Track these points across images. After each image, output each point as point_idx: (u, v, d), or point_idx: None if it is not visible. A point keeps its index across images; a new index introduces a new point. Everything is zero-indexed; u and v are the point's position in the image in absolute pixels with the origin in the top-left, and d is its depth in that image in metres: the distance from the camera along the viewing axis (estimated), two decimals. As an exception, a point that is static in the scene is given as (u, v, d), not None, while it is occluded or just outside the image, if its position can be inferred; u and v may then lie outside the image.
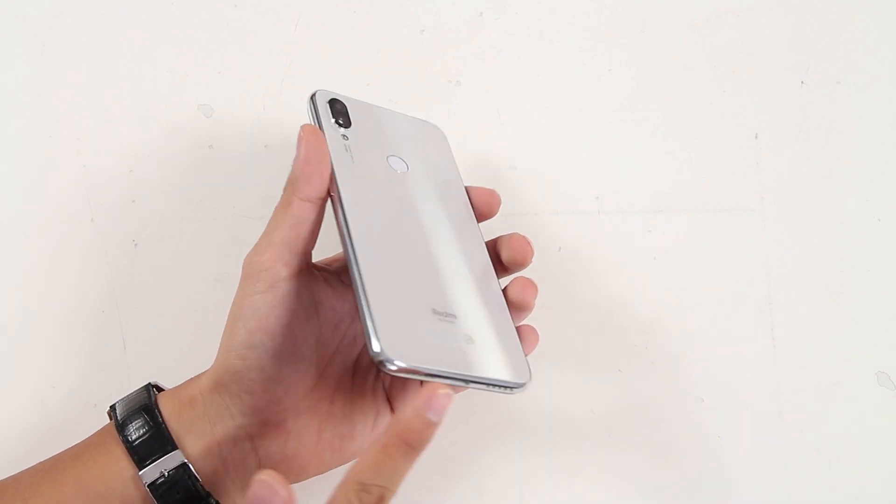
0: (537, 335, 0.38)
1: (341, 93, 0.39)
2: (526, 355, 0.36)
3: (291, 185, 0.35)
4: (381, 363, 0.31)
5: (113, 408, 0.37)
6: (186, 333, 0.45)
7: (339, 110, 0.38)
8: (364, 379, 0.39)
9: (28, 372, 0.45)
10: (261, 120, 0.48)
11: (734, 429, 0.43)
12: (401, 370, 0.31)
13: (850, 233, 0.45)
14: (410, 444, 0.29)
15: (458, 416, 0.42)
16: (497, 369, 0.34)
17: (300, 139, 0.35)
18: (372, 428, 0.39)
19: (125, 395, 0.38)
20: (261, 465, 0.37)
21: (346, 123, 0.38)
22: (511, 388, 0.34)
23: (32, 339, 0.45)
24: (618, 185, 0.47)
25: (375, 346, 0.31)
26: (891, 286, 0.45)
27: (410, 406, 0.30)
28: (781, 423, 0.43)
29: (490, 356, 0.35)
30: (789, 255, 0.45)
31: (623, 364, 0.44)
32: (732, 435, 0.43)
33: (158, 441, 0.35)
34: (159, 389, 0.38)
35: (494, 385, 0.34)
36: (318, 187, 0.35)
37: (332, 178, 0.36)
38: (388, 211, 0.36)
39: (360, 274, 0.33)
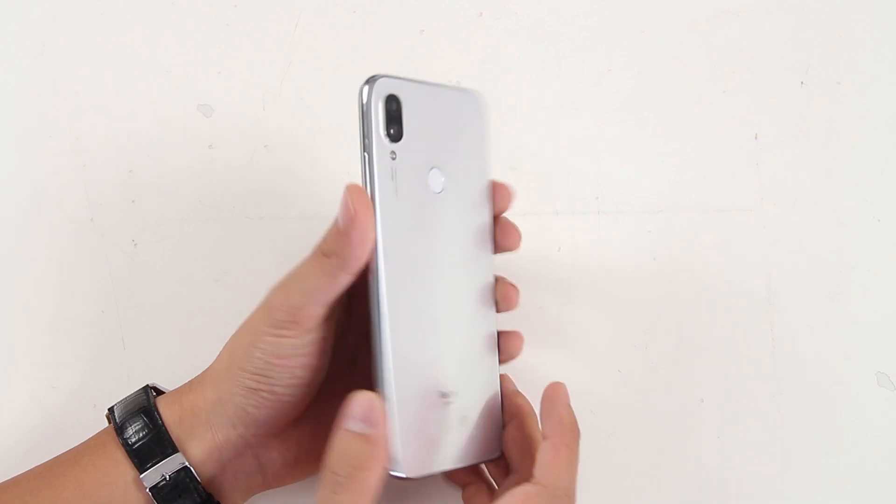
0: (522, 340, 0.39)
1: (395, 74, 0.34)
2: (505, 362, 0.38)
3: (335, 257, 0.32)
4: (395, 475, 0.32)
5: (111, 410, 0.37)
6: (186, 333, 0.45)
7: (394, 114, 0.34)
8: (362, 377, 0.39)
9: (28, 372, 0.45)
10: (261, 120, 0.48)
11: (734, 429, 0.43)
12: (408, 479, 0.33)
13: (849, 233, 0.45)
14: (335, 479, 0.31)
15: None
16: (478, 454, 0.35)
17: (347, 208, 0.32)
18: None
19: (123, 397, 0.38)
20: (262, 471, 0.37)
21: (398, 135, 0.34)
22: (481, 463, 0.36)
23: (32, 339, 0.45)
24: (618, 186, 0.47)
25: (398, 470, 0.32)
26: (891, 286, 0.45)
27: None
28: (781, 423, 0.43)
29: (476, 439, 0.36)
30: (789, 256, 0.45)
31: (623, 364, 0.44)
32: (732, 435, 0.43)
33: (158, 444, 0.35)
34: (157, 391, 0.38)
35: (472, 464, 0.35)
36: (362, 262, 0.33)
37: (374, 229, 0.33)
38: (420, 266, 0.35)
39: (388, 361, 0.33)
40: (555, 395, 0.35)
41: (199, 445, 0.35)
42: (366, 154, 0.33)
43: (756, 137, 0.47)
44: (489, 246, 0.38)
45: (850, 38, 0.48)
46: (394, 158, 0.33)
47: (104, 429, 0.37)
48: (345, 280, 0.33)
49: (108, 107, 0.48)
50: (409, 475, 0.33)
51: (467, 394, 0.36)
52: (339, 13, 0.49)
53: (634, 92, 0.48)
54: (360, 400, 0.31)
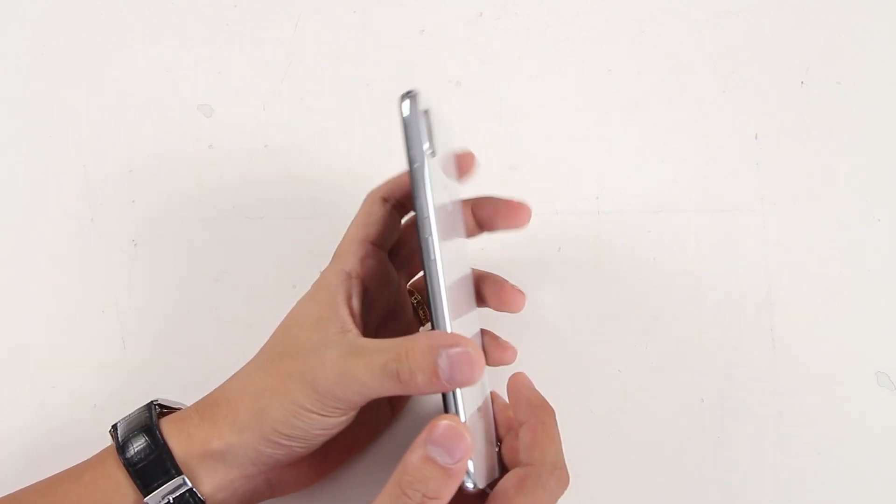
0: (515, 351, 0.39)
1: (424, 99, 0.32)
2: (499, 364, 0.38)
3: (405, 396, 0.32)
4: (466, 488, 0.32)
5: (115, 427, 0.36)
6: (186, 333, 0.45)
7: (430, 129, 0.32)
8: None
9: (28, 371, 0.45)
10: (261, 120, 0.48)
11: (734, 429, 0.43)
12: (476, 488, 0.32)
13: (850, 233, 0.45)
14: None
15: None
16: (484, 477, 0.34)
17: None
18: (374, 427, 0.38)
19: (127, 414, 0.37)
20: (271, 489, 0.37)
21: (433, 151, 0.32)
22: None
23: (32, 339, 0.45)
24: (618, 185, 0.47)
25: (477, 484, 0.32)
26: (891, 286, 0.45)
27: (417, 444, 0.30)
28: (781, 423, 0.43)
29: (489, 460, 0.35)
30: (789, 255, 0.45)
31: (623, 364, 0.44)
32: (732, 435, 0.43)
33: (161, 465, 0.34)
34: (161, 407, 0.37)
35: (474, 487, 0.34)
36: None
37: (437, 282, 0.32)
38: (456, 290, 0.34)
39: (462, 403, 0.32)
40: (517, 382, 0.37)
41: (210, 479, 0.34)
42: (416, 173, 0.32)
43: (756, 137, 0.47)
44: (469, 266, 0.38)
45: (850, 38, 0.48)
46: (447, 207, 0.33)
47: (107, 447, 0.36)
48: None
49: (108, 107, 0.48)
50: (479, 485, 0.32)
51: (484, 416, 0.36)
52: (339, 13, 0.49)
53: (634, 92, 0.48)
54: (448, 430, 0.30)
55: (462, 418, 0.31)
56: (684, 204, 0.46)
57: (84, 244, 0.46)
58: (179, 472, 0.33)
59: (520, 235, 0.46)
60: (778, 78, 0.47)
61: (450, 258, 0.33)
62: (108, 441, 0.36)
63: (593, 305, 0.45)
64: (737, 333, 0.44)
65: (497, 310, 0.38)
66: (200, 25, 0.49)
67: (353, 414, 0.33)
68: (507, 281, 0.39)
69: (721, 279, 0.45)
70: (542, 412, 0.35)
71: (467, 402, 0.32)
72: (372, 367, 0.31)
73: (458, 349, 0.30)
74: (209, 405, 0.35)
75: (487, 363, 0.38)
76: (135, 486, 0.34)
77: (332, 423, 0.33)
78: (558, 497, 0.33)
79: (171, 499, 0.33)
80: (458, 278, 0.34)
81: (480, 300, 0.39)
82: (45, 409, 0.44)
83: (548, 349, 0.44)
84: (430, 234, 0.31)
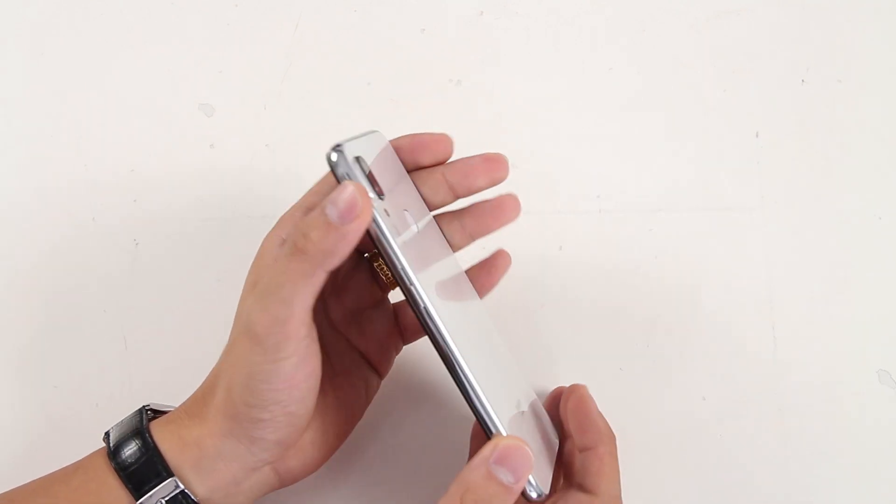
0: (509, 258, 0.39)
1: (348, 137, 0.33)
2: (498, 280, 0.38)
3: (316, 253, 0.30)
4: (531, 497, 0.32)
5: (107, 434, 0.35)
6: (187, 333, 0.45)
7: (367, 174, 0.32)
8: (342, 358, 0.38)
9: (30, 371, 0.45)
10: (261, 119, 0.48)
11: (735, 427, 0.43)
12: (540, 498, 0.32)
13: (850, 231, 0.45)
14: None
15: (457, 416, 0.42)
16: (547, 484, 0.34)
17: (349, 200, 0.29)
18: (365, 398, 0.38)
19: (120, 419, 0.36)
20: (280, 478, 0.36)
21: (380, 193, 0.33)
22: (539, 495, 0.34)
23: (34, 339, 0.45)
24: (619, 185, 0.47)
25: (543, 492, 0.32)
26: (891, 285, 0.45)
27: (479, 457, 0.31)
28: (782, 421, 0.43)
29: (545, 468, 0.35)
30: (790, 254, 0.45)
31: (623, 364, 0.44)
32: (733, 434, 0.43)
33: (152, 468, 0.33)
34: (154, 412, 0.37)
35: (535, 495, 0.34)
36: (344, 257, 0.30)
37: (404, 270, 0.32)
38: (449, 300, 0.34)
39: (484, 402, 0.32)
40: (584, 406, 0.37)
41: (209, 479, 0.34)
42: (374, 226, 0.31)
43: (757, 136, 0.47)
44: (459, 264, 0.38)
45: (850, 36, 0.48)
46: (389, 215, 0.32)
47: (97, 450, 0.36)
48: (323, 277, 0.31)
49: (109, 106, 0.48)
50: (545, 492, 0.33)
51: (525, 399, 0.36)
52: (339, 13, 0.49)
53: (635, 91, 0.48)
54: (512, 450, 0.30)
55: (500, 428, 0.32)
56: (685, 203, 0.46)
57: (85, 244, 0.46)
58: (171, 474, 0.33)
59: (520, 235, 0.46)
60: (778, 77, 0.48)
61: (428, 279, 0.33)
62: (109, 441, 0.36)
63: (594, 304, 0.45)
64: (738, 331, 0.45)
65: (495, 224, 0.37)
66: (201, 25, 0.49)
67: (301, 348, 0.32)
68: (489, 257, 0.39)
69: (722, 277, 0.45)
70: (609, 442, 0.36)
71: (502, 413, 0.32)
72: (273, 260, 0.31)
73: (340, 192, 0.29)
74: (196, 403, 0.35)
75: (487, 284, 0.38)
76: (127, 490, 0.33)
77: (286, 368, 0.31)
78: None
79: (162, 501, 0.33)
80: (443, 277, 0.34)
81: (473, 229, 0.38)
82: (47, 409, 0.44)
83: (548, 348, 0.44)
84: (403, 269, 0.31)
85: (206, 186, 0.47)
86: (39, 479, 0.36)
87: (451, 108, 0.48)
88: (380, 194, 0.32)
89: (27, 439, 0.44)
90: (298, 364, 0.32)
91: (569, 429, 0.37)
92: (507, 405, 0.33)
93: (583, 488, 0.35)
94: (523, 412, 0.35)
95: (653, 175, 0.47)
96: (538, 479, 0.32)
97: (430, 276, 0.33)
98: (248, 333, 0.32)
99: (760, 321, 0.45)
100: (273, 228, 0.35)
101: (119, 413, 0.37)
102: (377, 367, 0.39)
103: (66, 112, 0.48)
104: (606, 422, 0.37)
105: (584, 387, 0.39)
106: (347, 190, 0.29)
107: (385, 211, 0.32)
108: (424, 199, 0.36)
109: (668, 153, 0.47)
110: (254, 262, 0.35)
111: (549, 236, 0.46)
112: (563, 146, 0.47)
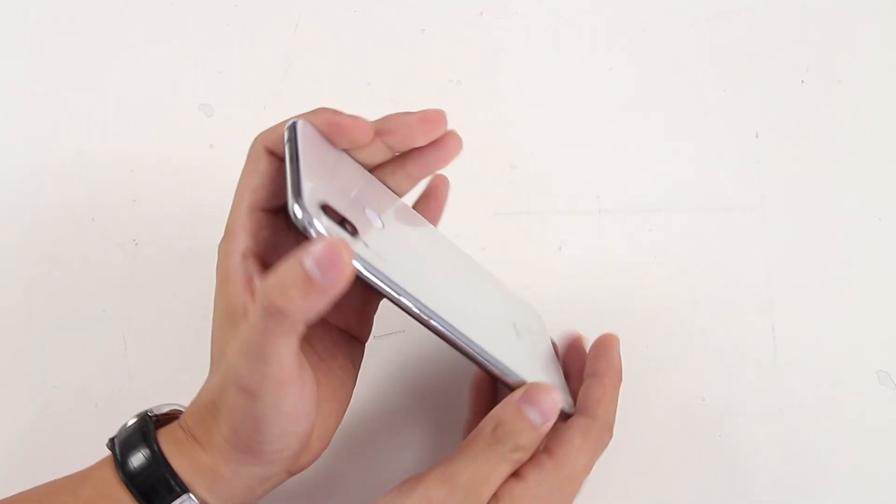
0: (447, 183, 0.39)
1: (287, 159, 0.31)
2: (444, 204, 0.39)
3: (299, 315, 0.28)
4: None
5: (112, 441, 0.34)
6: (187, 333, 0.45)
7: (340, 219, 0.30)
8: (323, 342, 0.37)
9: (29, 371, 0.45)
10: (262, 119, 0.47)
11: (735, 427, 0.43)
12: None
13: (850, 232, 0.45)
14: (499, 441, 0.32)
15: (456, 416, 0.42)
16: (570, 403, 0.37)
17: (331, 256, 0.27)
18: (353, 370, 0.38)
19: (120, 428, 0.35)
20: (290, 475, 0.36)
21: (354, 230, 0.31)
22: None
23: (33, 339, 0.45)
24: (618, 185, 0.47)
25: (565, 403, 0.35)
26: (891, 285, 0.45)
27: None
28: (782, 421, 0.43)
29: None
30: (790, 254, 0.45)
31: (624, 362, 0.44)
32: (733, 434, 0.43)
33: (164, 483, 0.32)
34: (156, 417, 0.36)
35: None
36: (327, 309, 0.28)
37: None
38: (428, 275, 0.34)
39: (491, 356, 0.33)
40: (609, 342, 0.39)
41: (223, 495, 0.33)
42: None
43: (757, 136, 0.47)
44: (407, 206, 0.37)
45: (850, 37, 0.48)
46: (367, 246, 0.30)
47: (102, 460, 0.35)
48: (304, 327, 0.29)
49: (108, 106, 0.48)
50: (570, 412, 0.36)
51: (520, 317, 0.38)
52: (339, 13, 0.49)
53: (635, 91, 0.48)
54: (542, 394, 0.33)
55: (514, 377, 0.33)
56: (685, 203, 0.46)
57: (85, 244, 0.46)
58: (185, 490, 0.32)
59: (520, 235, 0.46)
60: (779, 77, 0.48)
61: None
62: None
63: (593, 305, 0.45)
64: (738, 332, 0.45)
65: (441, 164, 0.37)
66: (201, 25, 0.49)
67: (297, 387, 0.31)
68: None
69: (722, 277, 0.45)
70: (616, 377, 0.38)
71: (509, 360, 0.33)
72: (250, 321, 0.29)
73: (318, 246, 0.27)
74: (198, 426, 0.34)
75: (438, 211, 0.39)
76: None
77: (289, 408, 0.31)
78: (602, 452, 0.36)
79: None
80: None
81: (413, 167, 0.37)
82: (47, 409, 0.44)
83: (549, 348, 0.44)
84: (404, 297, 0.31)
85: (207, 186, 0.47)
86: (42, 487, 0.35)
87: (450, 108, 0.47)
88: (353, 233, 0.30)
89: (27, 439, 0.44)
90: (299, 397, 0.31)
91: (586, 357, 0.39)
92: (511, 351, 0.34)
93: (581, 412, 0.36)
94: (520, 335, 0.37)
95: (653, 175, 0.47)
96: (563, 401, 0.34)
97: (412, 271, 0.32)
98: (243, 389, 0.31)
99: (760, 321, 0.44)
100: (225, 237, 0.34)
101: (119, 413, 0.37)
102: (359, 335, 0.38)
103: (65, 112, 0.48)
104: (621, 363, 0.39)
105: (615, 335, 0.40)
106: (326, 246, 0.27)
107: (364, 244, 0.30)
108: (362, 164, 0.35)
109: (668, 153, 0.47)
110: (218, 285, 0.34)
111: (548, 236, 0.46)
112: (562, 146, 0.47)
